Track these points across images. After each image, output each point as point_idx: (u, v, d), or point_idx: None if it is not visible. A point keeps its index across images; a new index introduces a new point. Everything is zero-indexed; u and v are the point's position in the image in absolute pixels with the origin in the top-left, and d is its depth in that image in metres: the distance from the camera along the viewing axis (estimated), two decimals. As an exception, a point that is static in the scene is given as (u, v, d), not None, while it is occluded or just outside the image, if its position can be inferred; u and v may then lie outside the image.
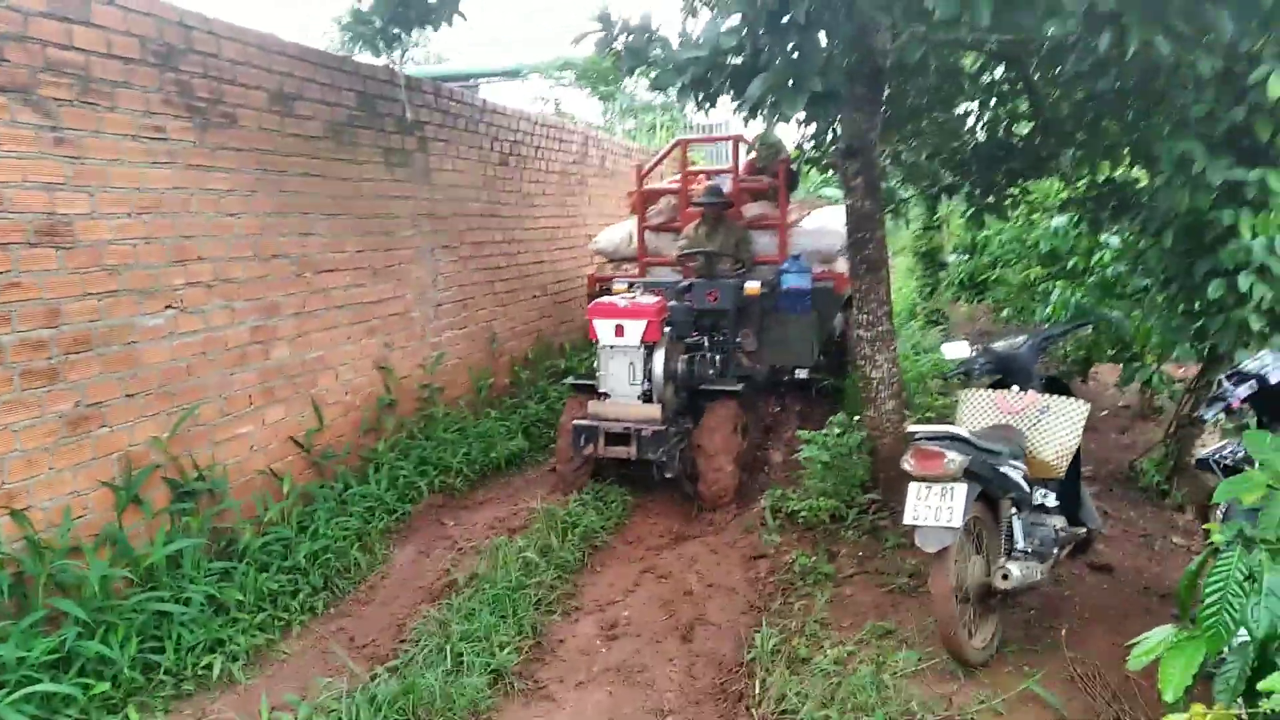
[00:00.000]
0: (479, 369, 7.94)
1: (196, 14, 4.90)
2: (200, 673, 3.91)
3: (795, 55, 3.86)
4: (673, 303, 6.48)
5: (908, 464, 3.84)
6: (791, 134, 10.02)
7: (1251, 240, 4.41)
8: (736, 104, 4.12)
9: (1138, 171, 6.27)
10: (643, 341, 6.02)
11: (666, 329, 6.22)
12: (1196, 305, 5.18)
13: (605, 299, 6.30)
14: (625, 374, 6.12)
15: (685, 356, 6.38)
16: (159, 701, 3.72)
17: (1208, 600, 2.49)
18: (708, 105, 4.58)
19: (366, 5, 6.19)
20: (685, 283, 6.92)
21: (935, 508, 3.73)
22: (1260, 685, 2.21)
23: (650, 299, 6.25)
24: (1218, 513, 3.69)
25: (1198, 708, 2.44)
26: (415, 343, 7.04)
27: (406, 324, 6.93)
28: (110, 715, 3.56)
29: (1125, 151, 6.30)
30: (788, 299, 7.11)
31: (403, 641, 4.28)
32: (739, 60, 4.17)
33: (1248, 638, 2.48)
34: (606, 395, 6.18)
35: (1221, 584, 2.48)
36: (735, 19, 3.99)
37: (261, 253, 5.37)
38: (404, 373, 6.84)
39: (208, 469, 4.83)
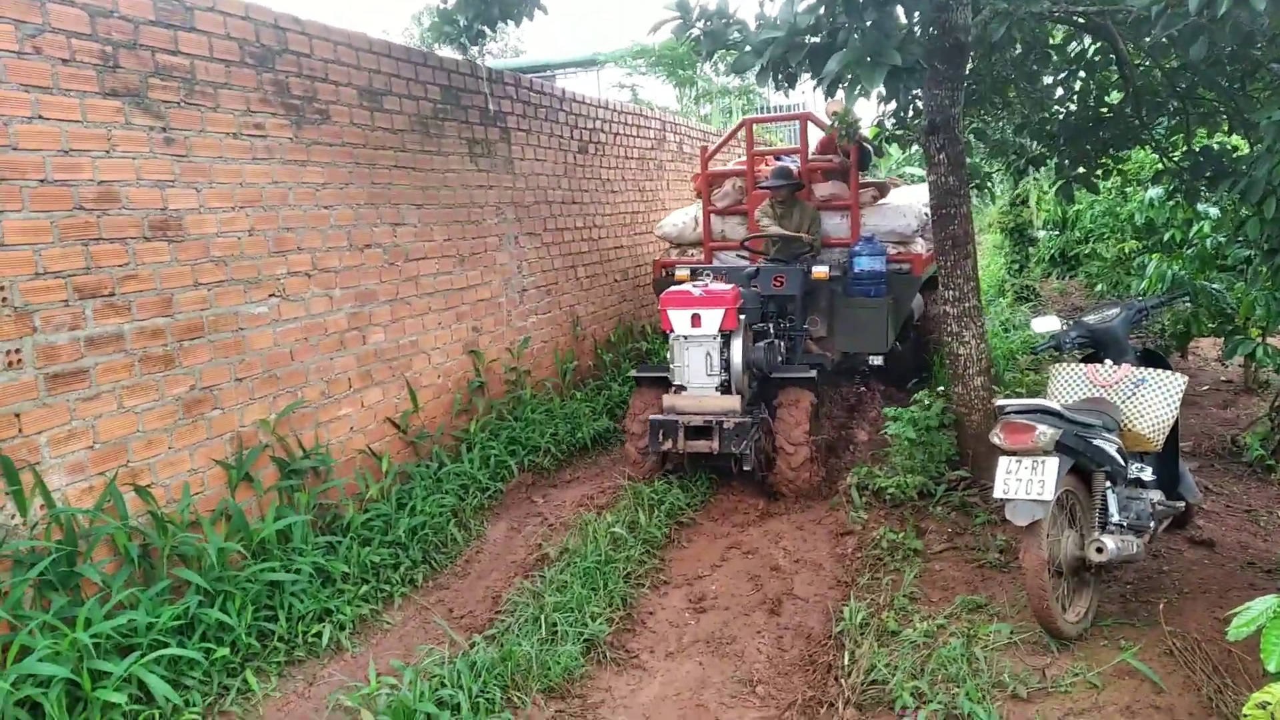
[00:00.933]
0: (563, 352, 8.09)
1: (289, 16, 5.11)
2: (310, 640, 4.13)
3: (873, 31, 3.85)
4: (741, 289, 6.23)
5: (997, 438, 3.81)
6: (871, 111, 9.83)
7: (1361, 206, 4.23)
8: (815, 81, 4.13)
9: (1236, 139, 6.04)
10: (720, 330, 5.79)
11: (740, 316, 5.96)
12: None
13: (678, 288, 6.04)
14: (703, 364, 5.87)
15: (758, 344, 6.19)
16: (274, 667, 3.94)
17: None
18: (787, 86, 4.60)
19: (451, 3, 6.38)
20: (753, 267, 6.72)
21: (1026, 481, 3.70)
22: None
23: (724, 286, 6.01)
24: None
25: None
26: (502, 327, 7.21)
27: (494, 309, 7.10)
28: (230, 678, 3.79)
29: (1222, 119, 6.09)
30: (860, 282, 6.85)
31: (499, 612, 4.43)
32: (816, 39, 4.17)
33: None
34: (682, 388, 5.93)
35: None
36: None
37: (356, 242, 5.58)
38: (492, 356, 7.02)
39: (312, 449, 5.06)
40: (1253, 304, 6.71)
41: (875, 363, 7.14)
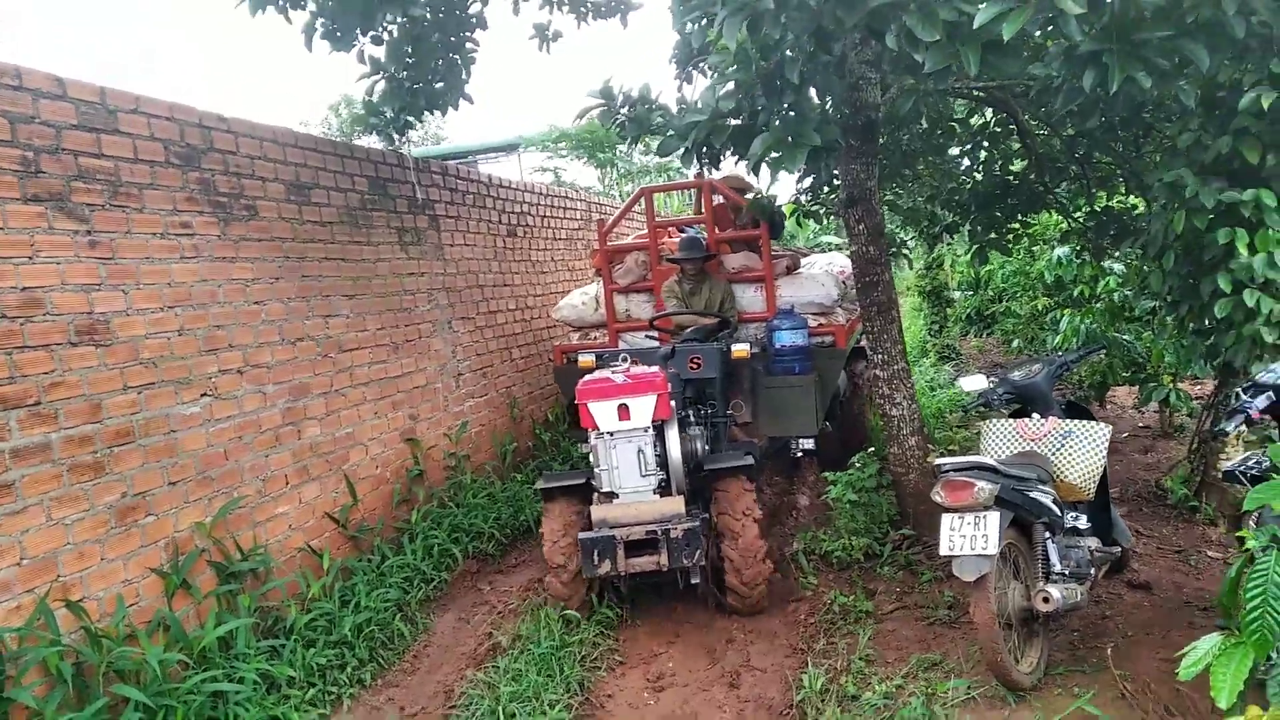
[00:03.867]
0: (502, 434, 8.04)
1: (214, 114, 5.12)
2: (257, 753, 3.95)
3: (792, 114, 4.03)
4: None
5: (938, 496, 3.90)
6: (789, 186, 9.93)
7: (1251, 257, 4.50)
8: (739, 160, 4.29)
9: (1134, 200, 6.42)
10: (653, 421, 5.07)
11: (672, 403, 5.22)
12: (1206, 323, 5.26)
13: (597, 375, 5.23)
14: (635, 464, 5.08)
15: (684, 435, 5.46)
16: (219, 784, 3.76)
17: (1250, 606, 2.55)
18: (711, 166, 4.76)
19: (377, 95, 6.46)
20: (666, 348, 5.87)
21: (970, 536, 3.79)
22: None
23: (650, 369, 5.31)
24: (1250, 521, 3.74)
25: (1254, 710, 2.50)
26: (439, 413, 7.15)
27: (430, 395, 7.05)
28: (173, 800, 3.60)
29: (1119, 181, 6.47)
30: (782, 359, 6.23)
31: (453, 707, 4.31)
32: (738, 121, 4.34)
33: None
34: (612, 494, 5.12)
35: (1261, 589, 2.55)
36: (732, 84, 4.17)
37: (288, 336, 5.51)
38: (431, 443, 6.94)
39: (251, 550, 4.91)
40: (1162, 352, 7.07)
41: (806, 446, 6.54)
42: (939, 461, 4.01)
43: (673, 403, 5.23)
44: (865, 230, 5.68)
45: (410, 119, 6.55)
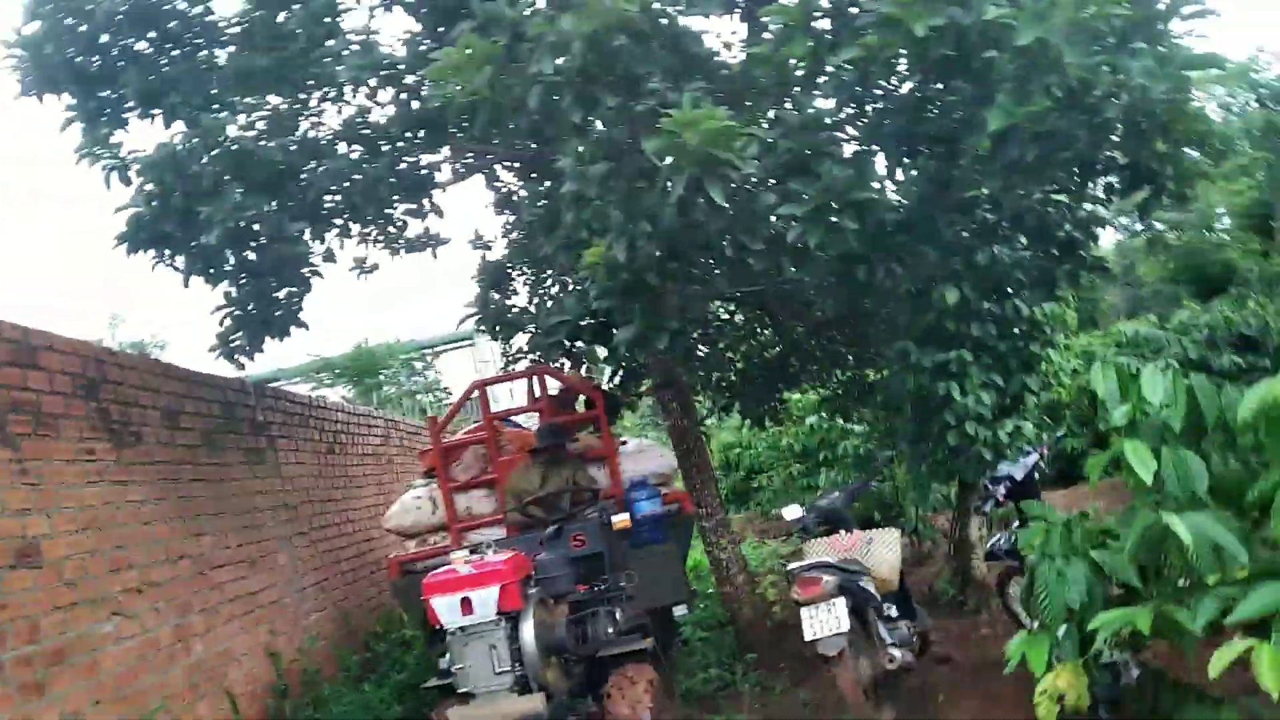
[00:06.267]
0: (342, 646, 8.17)
1: (106, 349, 5.56)
2: None
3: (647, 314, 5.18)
4: (543, 555, 5.39)
5: (796, 594, 4.98)
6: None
7: (964, 399, 6.13)
8: (606, 351, 5.42)
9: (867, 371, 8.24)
10: (500, 613, 4.78)
11: (532, 589, 5.05)
12: (940, 455, 6.85)
13: (442, 570, 4.99)
14: (487, 660, 4.77)
15: (572, 619, 5.35)
16: None
17: (1040, 597, 3.81)
18: (572, 360, 5.85)
19: (225, 325, 7.00)
20: (551, 529, 5.87)
21: (825, 620, 4.87)
22: (1090, 626, 3.48)
23: (500, 555, 5.04)
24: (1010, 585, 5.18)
25: (1056, 669, 3.70)
26: (292, 628, 7.30)
27: (282, 611, 7.22)
28: None
29: (847, 357, 8.29)
30: (647, 528, 6.30)
31: None
32: (598, 320, 5.48)
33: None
34: (470, 695, 4.80)
35: (1044, 586, 3.82)
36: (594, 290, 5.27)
37: (172, 555, 5.73)
38: (290, 657, 7.05)
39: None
40: (905, 492, 8.81)
41: (680, 612, 6.62)
42: (790, 566, 5.12)
43: (533, 590, 5.06)
44: (678, 406, 6.94)
45: (255, 345, 7.08)
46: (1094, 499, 6.07)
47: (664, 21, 4.42)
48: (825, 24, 4.34)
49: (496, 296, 5.96)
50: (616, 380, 8.37)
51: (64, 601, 4.59)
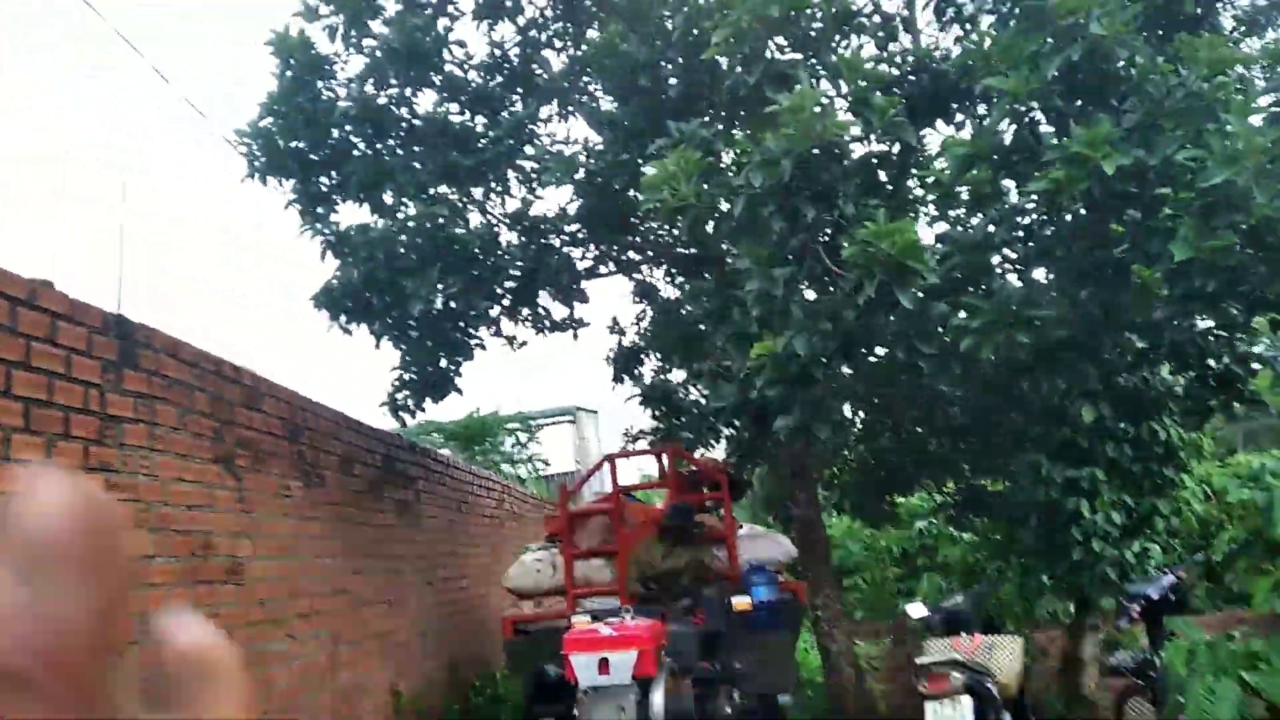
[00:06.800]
0: (448, 694, 8.60)
1: (305, 398, 6.22)
2: None
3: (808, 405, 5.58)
4: (675, 627, 5.47)
5: (923, 687, 5.22)
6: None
7: (1093, 516, 6.37)
8: (767, 434, 5.79)
9: (986, 480, 8.45)
10: (635, 678, 4.84)
11: (666, 659, 5.11)
12: (1061, 570, 7.01)
13: (584, 627, 5.18)
14: None
15: (696, 693, 5.35)
16: None
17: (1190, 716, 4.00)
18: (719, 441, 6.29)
19: (394, 384, 7.71)
20: (687, 601, 6.01)
21: (949, 716, 5.09)
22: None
23: (641, 621, 5.20)
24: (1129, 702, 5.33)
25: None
26: (412, 670, 7.76)
27: (408, 653, 7.70)
28: None
29: (967, 466, 8.51)
30: (764, 613, 6.24)
31: None
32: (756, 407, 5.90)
33: None
34: None
35: (1194, 702, 4.02)
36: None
37: (335, 588, 6.29)
38: (408, 696, 7.49)
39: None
40: (1009, 603, 8.89)
41: (783, 700, 6.67)
42: (921, 660, 5.36)
43: (668, 659, 5.14)
44: (805, 498, 7.28)
45: (420, 404, 7.76)
46: (1233, 624, 6.19)
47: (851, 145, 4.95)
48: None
49: (625, 378, 6.50)
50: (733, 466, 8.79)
51: (255, 618, 5.15)
